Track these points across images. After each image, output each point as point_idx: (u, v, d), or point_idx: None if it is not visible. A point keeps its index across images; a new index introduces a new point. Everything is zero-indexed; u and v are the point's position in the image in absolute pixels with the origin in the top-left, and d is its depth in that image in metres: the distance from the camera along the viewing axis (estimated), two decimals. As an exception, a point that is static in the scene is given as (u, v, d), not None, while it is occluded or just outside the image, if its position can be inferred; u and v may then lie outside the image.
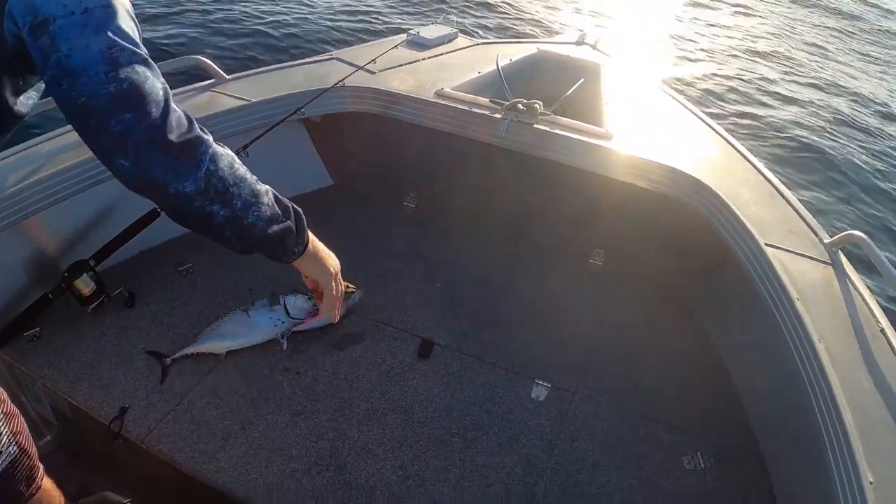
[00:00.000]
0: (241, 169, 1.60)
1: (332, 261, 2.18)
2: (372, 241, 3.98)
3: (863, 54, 15.00)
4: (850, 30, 17.31)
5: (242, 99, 3.61)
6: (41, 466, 1.95)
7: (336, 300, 2.22)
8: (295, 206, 1.82)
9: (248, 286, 3.34)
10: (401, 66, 4.30)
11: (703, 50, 13.18)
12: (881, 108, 11.35)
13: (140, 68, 1.40)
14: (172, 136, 1.42)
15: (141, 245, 3.27)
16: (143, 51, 1.43)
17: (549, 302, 3.66)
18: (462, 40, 5.03)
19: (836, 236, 3.17)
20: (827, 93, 11.63)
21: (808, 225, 3.31)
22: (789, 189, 3.60)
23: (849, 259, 3.13)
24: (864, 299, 2.87)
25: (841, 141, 9.65)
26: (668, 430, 2.98)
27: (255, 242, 1.70)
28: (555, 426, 2.92)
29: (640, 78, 4.88)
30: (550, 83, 4.53)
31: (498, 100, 3.79)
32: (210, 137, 1.52)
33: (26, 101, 1.63)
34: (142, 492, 2.51)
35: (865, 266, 2.94)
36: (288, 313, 3.07)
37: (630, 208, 3.73)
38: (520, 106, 3.66)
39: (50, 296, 2.92)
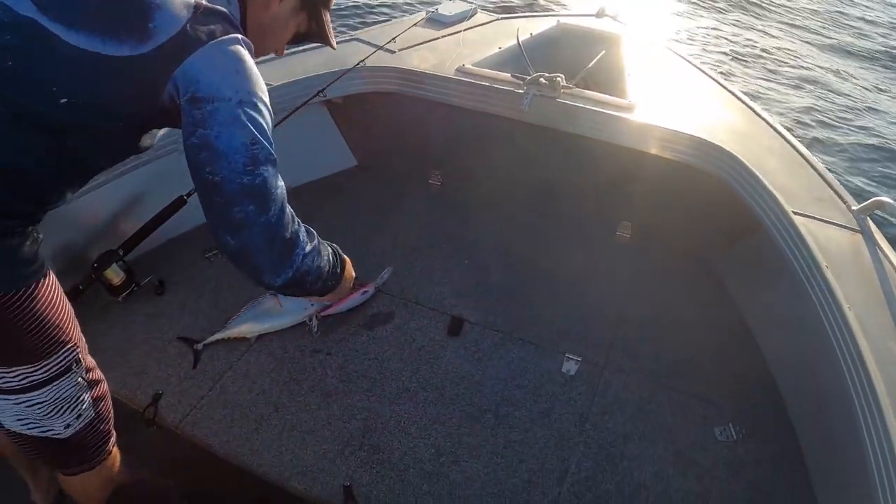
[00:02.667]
0: (322, 261, 1.84)
1: (350, 276, 2.23)
2: (397, 219, 3.99)
3: None
4: None
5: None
6: (114, 434, 2.01)
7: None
8: (340, 255, 2.07)
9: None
10: (421, 44, 4.28)
11: (727, 16, 13.05)
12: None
13: (271, 168, 1.58)
14: (280, 237, 1.63)
15: (168, 233, 3.28)
16: (270, 147, 1.59)
17: (577, 276, 3.65)
18: (481, 16, 5.00)
19: (864, 203, 3.13)
20: (862, 65, 11.49)
21: (836, 192, 3.27)
22: (815, 156, 3.56)
23: (877, 226, 3.09)
24: (893, 266, 2.83)
25: (869, 106, 9.53)
26: (699, 402, 2.97)
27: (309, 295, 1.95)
28: (586, 400, 2.92)
29: (661, 48, 4.84)
30: (572, 56, 4.50)
31: (520, 74, 3.78)
32: (305, 236, 1.74)
33: (152, 137, 1.77)
34: (178, 477, 2.53)
35: (895, 229, 2.90)
36: None
37: (656, 179, 3.70)
38: (542, 80, 3.64)
39: (80, 287, 2.94)
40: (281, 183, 1.62)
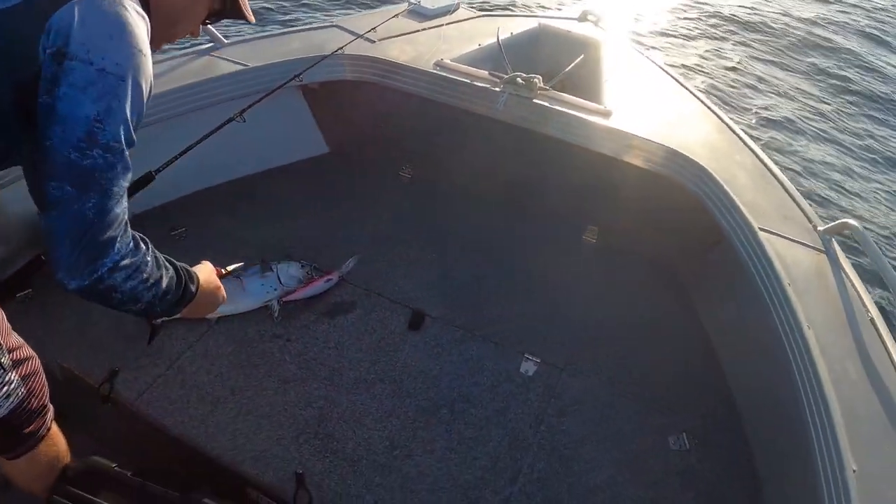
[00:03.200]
0: (141, 282, 1.54)
1: (214, 300, 2.04)
2: (366, 209, 3.98)
3: (867, 35, 14.94)
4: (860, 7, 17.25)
5: (241, 64, 3.59)
6: (51, 409, 1.98)
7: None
8: (187, 278, 1.79)
9: (241, 252, 3.34)
10: (401, 35, 4.28)
11: (705, 28, 13.13)
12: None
13: (112, 157, 1.39)
14: (89, 237, 1.40)
15: (134, 208, 3.25)
16: (125, 144, 1.41)
17: (542, 277, 3.67)
18: (463, 12, 5.00)
19: (830, 224, 3.17)
20: (828, 73, 11.59)
21: (803, 211, 3.31)
22: (785, 174, 3.60)
23: (842, 247, 3.13)
24: (855, 288, 2.87)
25: (839, 126, 9.63)
26: (655, 410, 2.99)
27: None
28: (542, 401, 2.94)
29: (640, 56, 4.86)
30: (551, 58, 4.51)
31: (497, 73, 3.78)
32: (126, 248, 1.47)
33: None
34: (131, 455, 2.51)
35: (859, 253, 2.94)
36: (280, 280, 3.07)
37: (626, 186, 3.73)
38: (519, 80, 3.65)
39: (42, 257, 2.91)
40: (122, 181, 1.43)
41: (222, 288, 2.08)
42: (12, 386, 1.74)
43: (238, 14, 1.81)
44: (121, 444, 2.64)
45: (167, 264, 1.69)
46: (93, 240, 1.39)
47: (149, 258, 1.56)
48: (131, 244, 1.49)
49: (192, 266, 1.90)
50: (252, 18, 1.87)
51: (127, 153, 1.42)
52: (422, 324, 3.22)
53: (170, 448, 2.56)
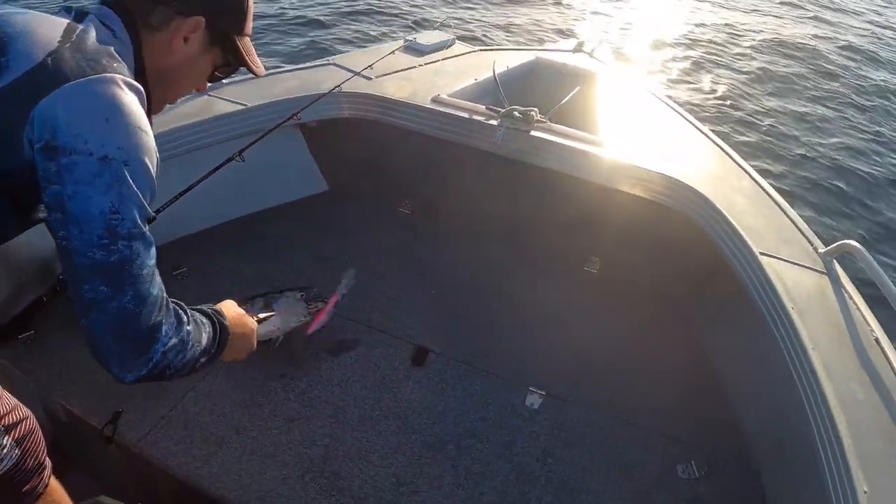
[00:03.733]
0: (189, 353, 1.53)
1: (247, 342, 2.00)
2: (366, 246, 3.98)
3: (868, 60, 15.02)
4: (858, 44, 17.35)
5: (238, 103, 3.61)
6: (49, 465, 1.95)
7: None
8: (218, 327, 1.75)
9: (243, 290, 3.34)
10: (398, 72, 4.30)
11: (700, 57, 13.20)
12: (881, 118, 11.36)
13: (136, 245, 1.35)
14: (134, 329, 1.37)
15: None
16: (144, 224, 1.39)
17: (544, 309, 3.66)
18: (459, 47, 5.04)
19: (831, 245, 3.17)
20: (826, 107, 11.63)
21: (803, 234, 3.31)
22: (784, 197, 3.61)
23: (843, 268, 3.13)
24: (858, 308, 2.87)
25: (839, 151, 9.65)
26: (662, 439, 2.98)
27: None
28: (549, 434, 2.92)
29: (636, 86, 4.89)
30: (547, 90, 4.54)
31: (494, 107, 3.80)
32: (171, 328, 1.46)
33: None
34: (135, 497, 2.50)
35: (861, 272, 2.94)
36: (279, 326, 3.03)
37: (625, 216, 3.73)
38: (516, 113, 3.67)
39: (45, 298, 2.90)
40: (149, 260, 1.40)
41: (255, 330, 2.05)
42: (5, 450, 1.73)
43: (246, 67, 1.79)
44: (125, 485, 2.63)
45: (202, 319, 1.67)
46: (139, 331, 1.37)
47: (191, 327, 1.54)
48: (175, 322, 1.47)
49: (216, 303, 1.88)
50: (260, 71, 1.85)
51: (147, 230, 1.40)
52: (425, 359, 3.20)
53: (174, 489, 2.54)
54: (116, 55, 1.42)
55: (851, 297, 2.93)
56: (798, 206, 6.70)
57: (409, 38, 4.91)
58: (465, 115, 3.80)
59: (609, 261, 4.05)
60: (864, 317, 2.83)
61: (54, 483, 1.99)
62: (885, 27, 18.27)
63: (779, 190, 3.72)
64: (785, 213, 3.47)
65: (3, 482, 1.76)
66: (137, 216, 1.35)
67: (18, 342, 2.87)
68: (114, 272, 1.32)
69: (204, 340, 1.61)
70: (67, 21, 1.43)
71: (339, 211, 4.30)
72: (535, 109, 3.69)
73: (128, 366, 1.38)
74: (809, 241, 3.27)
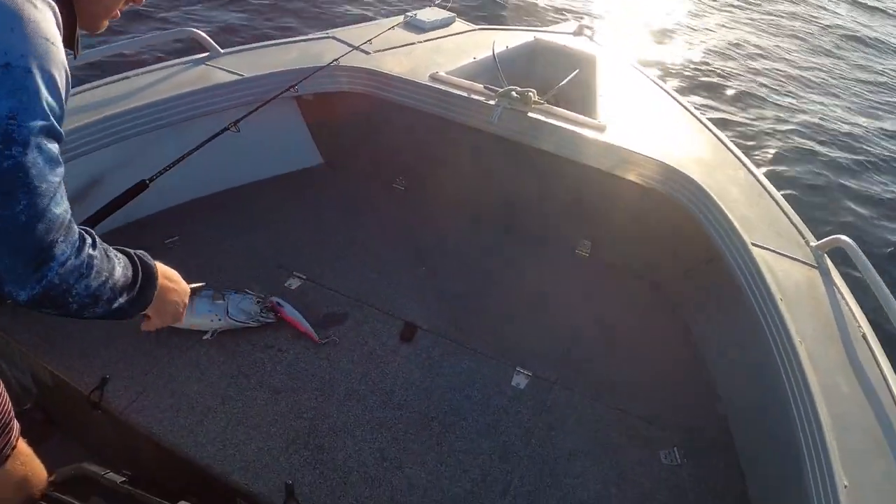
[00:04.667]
0: (98, 279, 1.45)
1: (178, 298, 1.97)
2: (359, 221, 3.98)
3: (862, 45, 14.99)
4: (850, 26, 17.31)
5: (236, 73, 3.60)
6: (16, 427, 1.94)
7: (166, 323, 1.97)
8: (144, 268, 1.69)
9: (235, 261, 3.34)
10: (397, 47, 4.29)
11: (701, 42, 13.16)
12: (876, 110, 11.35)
13: (32, 154, 1.26)
14: (29, 241, 1.30)
15: (128, 217, 3.25)
16: (47, 138, 1.31)
17: (534, 290, 3.67)
18: (459, 25, 5.02)
19: (823, 240, 3.18)
20: (821, 89, 11.62)
21: (796, 227, 3.33)
22: (778, 189, 3.61)
23: (834, 262, 3.14)
24: (847, 303, 2.88)
25: (833, 139, 9.65)
26: (646, 424, 2.99)
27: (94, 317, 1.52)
28: (533, 415, 2.93)
29: (635, 71, 4.88)
30: (546, 72, 4.53)
31: (492, 86, 3.79)
32: (71, 246, 1.37)
33: None
34: (121, 463, 2.50)
35: (851, 267, 2.95)
36: (227, 311, 2.99)
37: (619, 201, 3.74)
38: (514, 93, 3.66)
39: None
40: (50, 177, 1.31)
41: (188, 292, 1.99)
42: None
43: None
44: (111, 451, 2.64)
45: (117, 254, 1.57)
46: (33, 245, 1.29)
47: (96, 253, 1.44)
48: (77, 243, 1.38)
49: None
50: None
51: (52, 147, 1.32)
52: (413, 336, 3.21)
53: (160, 457, 2.55)
54: None
55: (840, 292, 2.95)
56: (792, 199, 6.71)
57: (410, 13, 4.89)
58: (463, 93, 3.79)
59: (601, 245, 4.06)
60: (852, 311, 2.85)
61: (22, 446, 1.96)
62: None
63: (774, 182, 3.72)
64: (779, 205, 3.48)
65: None
66: (38, 124, 1.27)
67: (7, 307, 2.87)
68: (7, 179, 1.23)
69: (117, 274, 1.52)
70: None
71: (332, 184, 4.30)
72: (534, 90, 3.69)
73: (21, 281, 1.30)
74: (802, 235, 3.28)
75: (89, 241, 1.43)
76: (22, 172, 1.24)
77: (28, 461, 2.01)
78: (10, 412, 1.89)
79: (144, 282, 1.65)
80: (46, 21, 1.31)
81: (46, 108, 1.28)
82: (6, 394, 1.88)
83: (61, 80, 1.32)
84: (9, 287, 1.30)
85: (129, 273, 1.59)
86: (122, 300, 1.55)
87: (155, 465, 2.65)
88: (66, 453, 2.21)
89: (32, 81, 1.25)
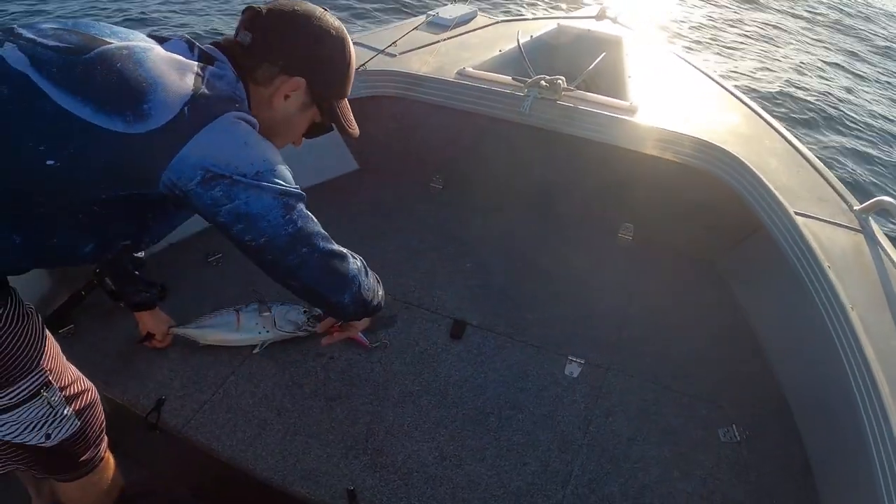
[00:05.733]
0: (374, 279, 2.05)
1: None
2: (399, 223, 3.99)
3: None
4: None
5: None
6: (105, 440, 2.03)
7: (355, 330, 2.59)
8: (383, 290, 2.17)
9: (266, 280, 3.36)
10: (421, 47, 4.29)
11: (727, 18, 13.06)
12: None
13: (302, 208, 1.67)
14: (335, 258, 1.79)
15: (172, 238, 3.27)
16: (298, 189, 1.65)
17: (579, 278, 3.65)
18: (481, 19, 5.01)
19: (866, 203, 3.14)
20: (859, 59, 11.49)
21: (837, 192, 3.28)
22: (817, 156, 3.57)
23: (880, 225, 3.10)
24: (895, 265, 2.84)
25: (871, 108, 9.53)
26: (702, 403, 2.97)
27: (360, 318, 2.15)
28: (589, 402, 2.92)
29: (661, 49, 4.85)
30: (572, 58, 4.51)
31: (520, 77, 3.78)
32: (352, 258, 1.90)
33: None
34: (182, 482, 2.53)
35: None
36: (275, 324, 3.00)
37: (657, 181, 3.71)
38: (543, 83, 3.64)
39: (83, 292, 2.93)
40: (314, 218, 1.73)
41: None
42: (64, 419, 1.80)
43: (341, 129, 1.99)
44: (172, 470, 2.66)
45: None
46: (338, 257, 1.82)
47: (354, 258, 1.96)
48: (355, 260, 1.93)
49: None
50: (355, 132, 2.06)
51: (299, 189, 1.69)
52: (463, 333, 3.21)
53: (220, 473, 2.57)
54: (237, 99, 1.62)
55: (888, 255, 2.90)
56: (831, 164, 6.64)
57: (431, 13, 4.89)
58: (492, 86, 3.78)
59: (643, 226, 4.03)
60: None
61: (109, 457, 2.07)
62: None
63: (811, 148, 3.68)
64: (819, 171, 3.43)
65: (61, 450, 1.84)
66: (295, 188, 1.64)
67: (59, 336, 2.90)
68: (305, 234, 1.67)
69: (370, 274, 2.04)
70: (195, 65, 1.57)
71: (370, 188, 4.31)
72: (562, 78, 3.67)
73: (343, 288, 1.84)
74: (844, 199, 3.23)
75: (359, 261, 1.99)
76: (310, 225, 1.73)
77: (113, 473, 2.13)
78: (103, 424, 2.01)
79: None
80: (255, 130, 1.62)
81: (290, 176, 1.66)
82: (101, 405, 1.99)
83: (283, 161, 1.68)
84: (335, 299, 1.86)
85: (375, 281, 2.11)
86: (380, 301, 2.12)
87: (215, 482, 2.67)
88: (128, 474, 2.24)
89: (277, 169, 1.61)
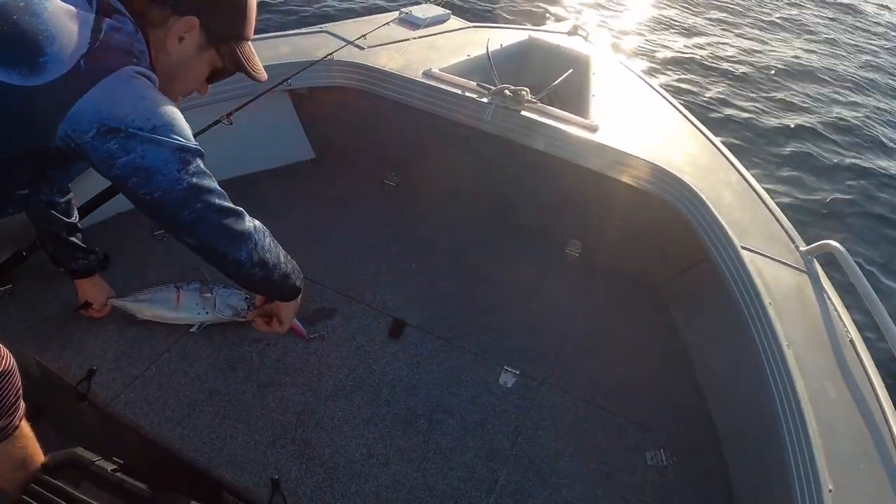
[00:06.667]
0: (272, 242, 2.02)
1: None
2: (350, 216, 3.98)
3: (862, 47, 15.04)
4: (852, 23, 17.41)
5: None
6: (22, 407, 1.95)
7: (286, 327, 2.48)
8: (297, 267, 2.22)
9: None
10: (391, 43, 4.28)
11: (696, 45, 13.19)
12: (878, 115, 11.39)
13: (199, 163, 1.67)
14: (233, 214, 1.81)
15: (117, 207, 3.23)
16: (196, 145, 1.65)
17: (524, 289, 3.67)
18: (454, 22, 5.02)
19: (812, 245, 3.19)
20: (821, 88, 11.67)
21: (786, 231, 3.33)
22: (770, 194, 3.62)
23: (823, 268, 3.15)
24: (835, 308, 2.89)
25: (827, 144, 9.69)
26: (632, 425, 3.00)
27: (272, 291, 2.20)
28: (521, 414, 2.93)
29: (628, 71, 4.89)
30: (539, 71, 4.53)
31: (485, 84, 3.79)
32: (249, 218, 1.91)
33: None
34: (108, 454, 2.50)
35: (840, 273, 2.97)
36: (215, 305, 2.98)
37: (610, 202, 3.75)
38: (507, 92, 3.66)
39: (24, 253, 2.89)
40: (210, 174, 1.72)
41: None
42: None
43: (244, 73, 1.92)
44: (97, 443, 2.62)
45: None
46: (235, 221, 1.84)
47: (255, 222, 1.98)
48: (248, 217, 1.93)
49: None
50: (261, 77, 1.99)
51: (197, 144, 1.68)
52: (402, 332, 3.21)
53: (146, 449, 2.55)
54: (136, 52, 1.60)
55: (829, 297, 2.96)
56: (782, 203, 6.74)
57: (405, 10, 4.88)
58: (457, 90, 3.79)
59: (591, 245, 4.06)
60: (840, 317, 2.86)
61: (25, 426, 1.99)
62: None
63: (765, 186, 3.74)
64: (769, 209, 3.48)
65: None
66: (192, 143, 1.64)
67: None
68: (201, 188, 1.67)
69: (277, 247, 2.07)
70: (92, 17, 1.54)
71: (324, 179, 4.29)
72: (527, 89, 3.69)
73: (239, 244, 1.85)
74: (792, 239, 3.29)
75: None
76: (205, 177, 1.71)
77: (29, 443, 2.04)
78: (19, 392, 1.93)
79: (298, 279, 2.22)
80: (154, 86, 1.64)
81: (188, 132, 1.66)
82: (18, 374, 1.91)
83: (182, 118, 1.67)
84: (233, 255, 1.87)
85: (291, 266, 2.16)
86: (287, 278, 2.14)
87: (141, 458, 2.64)
88: (53, 443, 2.20)
89: (175, 124, 1.61)
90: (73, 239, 2.54)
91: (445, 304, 3.45)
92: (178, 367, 2.79)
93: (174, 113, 1.61)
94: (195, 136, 2.84)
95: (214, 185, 1.72)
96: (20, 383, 1.92)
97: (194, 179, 1.63)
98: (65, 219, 2.47)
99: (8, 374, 1.85)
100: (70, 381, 2.60)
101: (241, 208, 1.85)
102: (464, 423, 2.84)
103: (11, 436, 1.93)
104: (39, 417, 2.13)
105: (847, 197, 8.39)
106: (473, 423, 2.84)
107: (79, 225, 2.56)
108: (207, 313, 2.96)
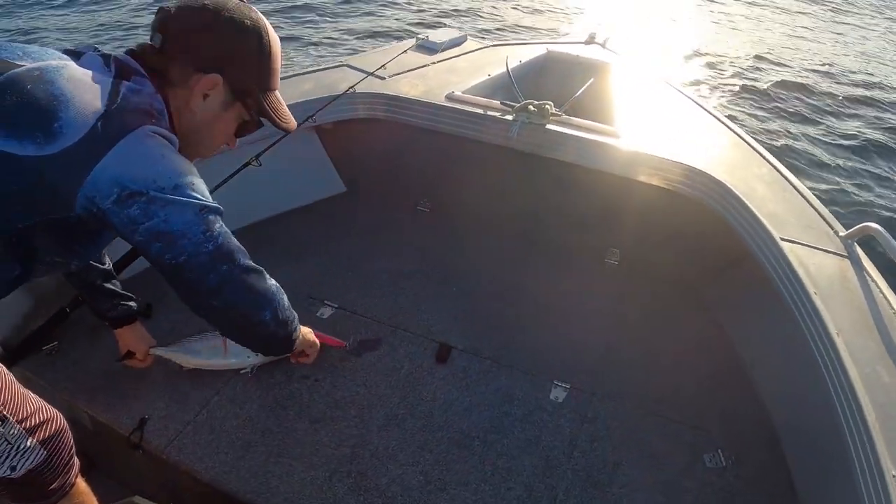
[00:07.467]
0: (286, 300, 1.92)
1: (311, 339, 2.55)
2: (386, 246, 3.99)
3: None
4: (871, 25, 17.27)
5: None
6: (76, 464, 1.97)
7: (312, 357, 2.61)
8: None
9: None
10: (411, 70, 4.30)
11: (714, 45, 13.14)
12: None
13: (222, 223, 1.63)
14: (255, 274, 1.75)
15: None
16: (216, 203, 1.61)
17: (566, 303, 3.65)
18: (471, 43, 5.04)
19: (852, 229, 3.15)
20: (840, 84, 11.57)
21: (823, 218, 3.30)
22: (803, 182, 3.59)
23: (865, 251, 3.11)
24: (881, 291, 2.85)
25: (855, 134, 9.59)
26: (688, 429, 2.96)
27: (287, 349, 2.09)
28: (574, 427, 2.91)
29: (650, 75, 4.88)
30: (561, 83, 4.53)
31: (509, 102, 3.80)
32: (268, 276, 1.84)
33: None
34: (164, 502, 2.51)
35: (882, 254, 2.92)
36: None
37: (644, 207, 3.72)
38: (531, 107, 3.66)
39: (67, 309, 2.92)
40: (228, 230, 1.67)
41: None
42: (26, 451, 1.75)
43: (273, 124, 1.89)
44: (153, 491, 2.64)
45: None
46: (259, 281, 1.78)
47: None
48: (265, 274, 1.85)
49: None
50: (290, 126, 1.95)
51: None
52: (448, 356, 3.20)
53: (202, 494, 2.55)
54: (155, 113, 1.58)
55: (874, 280, 2.91)
56: (817, 190, 6.67)
57: (421, 36, 4.91)
58: (480, 111, 3.80)
59: (629, 252, 4.04)
60: (886, 299, 2.81)
61: (81, 483, 2.01)
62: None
63: (797, 175, 3.70)
64: (804, 198, 3.45)
65: (30, 480, 1.79)
66: (211, 202, 1.59)
67: (42, 353, 2.89)
68: (226, 250, 1.63)
69: (296, 321, 2.03)
70: (110, 80, 1.55)
71: (357, 211, 4.31)
72: (550, 103, 3.69)
73: (264, 304, 1.79)
74: (830, 226, 3.25)
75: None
76: (228, 238, 1.66)
77: (86, 499, 2.06)
78: (72, 450, 1.93)
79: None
80: (173, 148, 1.61)
81: (206, 190, 1.62)
82: (69, 432, 1.92)
83: (201, 179, 1.63)
84: (255, 317, 1.79)
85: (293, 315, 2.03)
86: (295, 328, 2.04)
87: (199, 503, 2.65)
88: (109, 494, 2.21)
89: (194, 183, 1.57)
90: (108, 286, 2.53)
91: (489, 325, 3.44)
92: (229, 410, 2.80)
93: (193, 171, 1.58)
94: (225, 181, 2.88)
95: (237, 243, 1.69)
96: (72, 441, 1.94)
97: (220, 241, 1.60)
98: (99, 266, 2.46)
99: (59, 433, 1.87)
100: (122, 432, 2.61)
101: (261, 267, 1.80)
102: (518, 441, 2.82)
103: (68, 493, 1.95)
104: (92, 468, 2.14)
105: (882, 177, 8.30)
106: (528, 441, 2.82)
107: (113, 272, 2.56)
108: (256, 355, 2.95)
